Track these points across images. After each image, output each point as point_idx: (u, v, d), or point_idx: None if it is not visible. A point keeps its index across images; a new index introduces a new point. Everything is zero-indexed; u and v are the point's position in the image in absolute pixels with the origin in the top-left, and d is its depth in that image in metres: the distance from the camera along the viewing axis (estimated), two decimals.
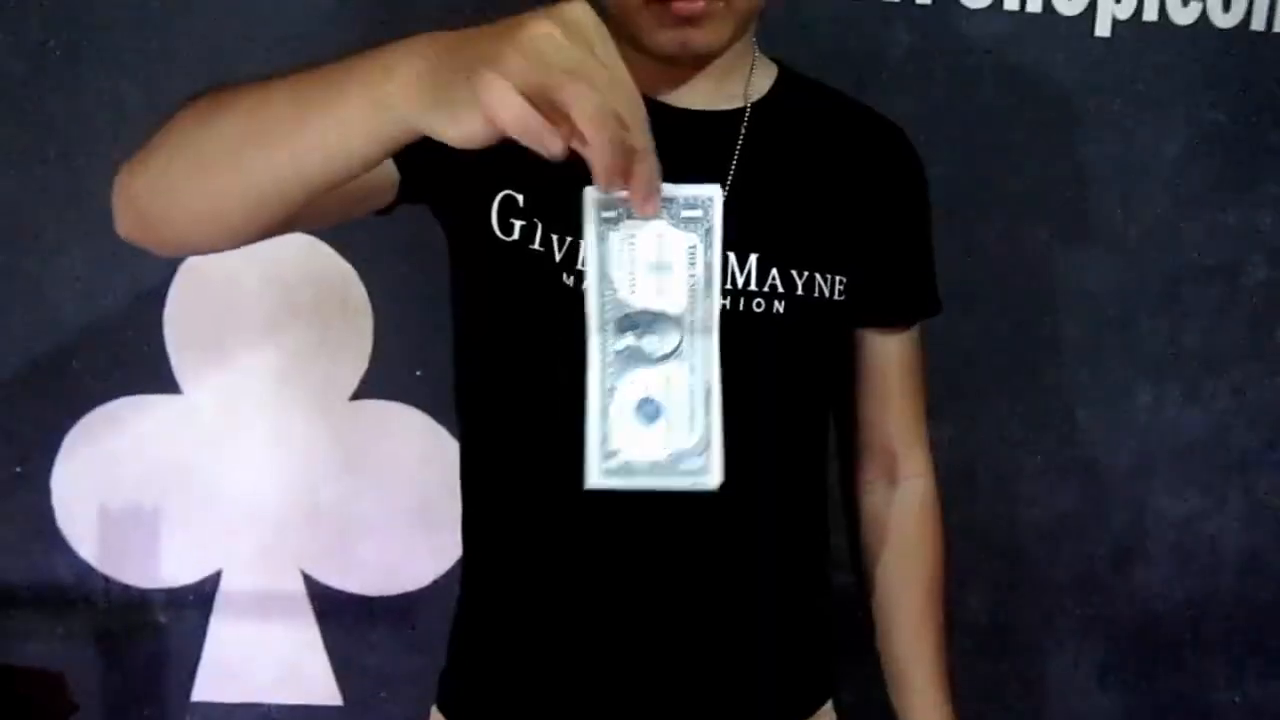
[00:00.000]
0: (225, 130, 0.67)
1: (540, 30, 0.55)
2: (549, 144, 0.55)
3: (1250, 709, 1.56)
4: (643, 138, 0.56)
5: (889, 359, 1.00)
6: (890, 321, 0.99)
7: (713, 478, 0.59)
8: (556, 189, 0.84)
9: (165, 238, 0.75)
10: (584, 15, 0.56)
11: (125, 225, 0.76)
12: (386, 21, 1.34)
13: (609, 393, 0.59)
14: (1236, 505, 1.52)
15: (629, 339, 0.58)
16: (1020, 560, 1.52)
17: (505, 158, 0.87)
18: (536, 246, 0.85)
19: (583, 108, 0.54)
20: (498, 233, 0.86)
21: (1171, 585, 1.53)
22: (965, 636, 1.53)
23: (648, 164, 0.57)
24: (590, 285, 0.59)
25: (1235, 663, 1.55)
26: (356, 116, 0.61)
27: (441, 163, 0.77)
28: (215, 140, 0.68)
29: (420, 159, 0.78)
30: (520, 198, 0.86)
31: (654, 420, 0.60)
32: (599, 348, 0.59)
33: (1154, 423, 1.50)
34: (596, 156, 0.55)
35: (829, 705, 1.02)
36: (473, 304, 0.93)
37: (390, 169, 0.84)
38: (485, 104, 0.54)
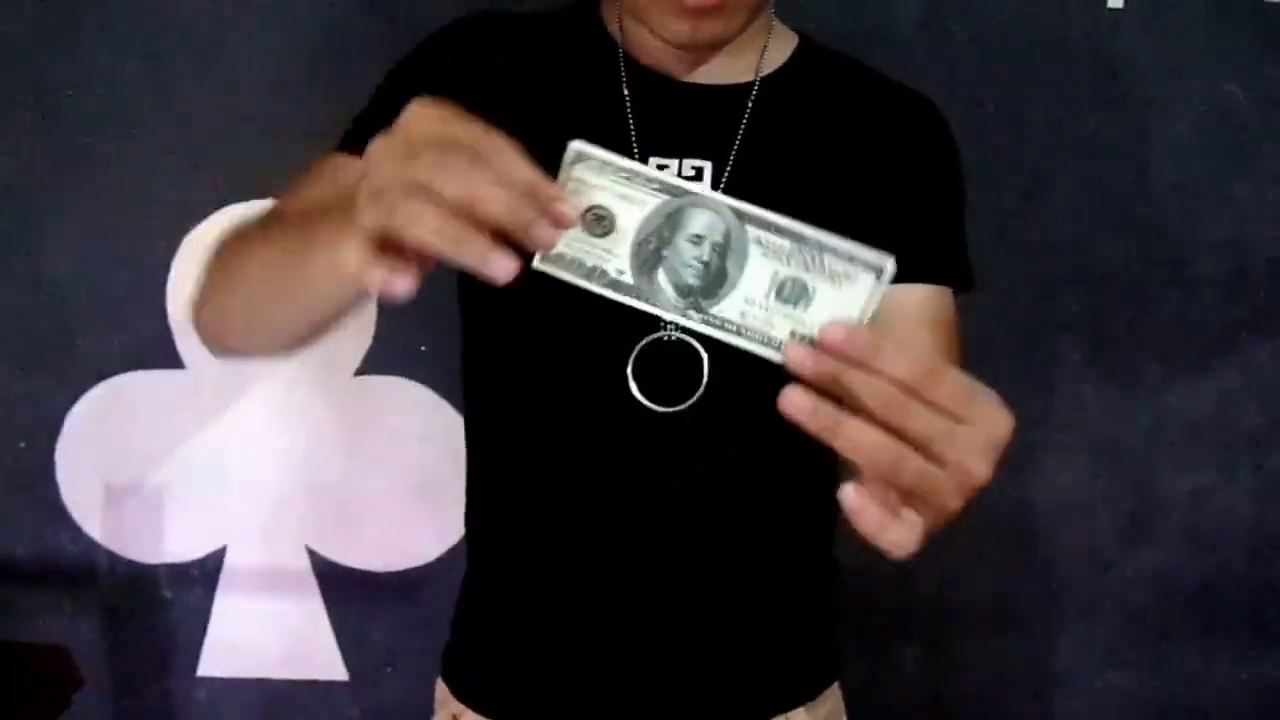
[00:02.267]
0: (250, 286, 0.74)
1: (374, 158, 0.52)
2: (396, 288, 0.51)
3: (1260, 687, 1.56)
4: (518, 182, 0.51)
5: (908, 310, 0.90)
6: (909, 276, 0.93)
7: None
8: (552, 165, 0.84)
9: (245, 354, 0.85)
10: (410, 116, 0.53)
11: (207, 346, 0.85)
12: (379, 2, 1.33)
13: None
14: (1246, 482, 1.52)
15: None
16: (1028, 539, 1.51)
17: None
18: None
19: (416, 236, 0.49)
20: None
21: (1180, 563, 1.52)
22: (973, 615, 1.53)
23: (526, 212, 0.51)
24: None
25: (1244, 641, 1.55)
26: (318, 279, 0.63)
27: None
28: (244, 295, 0.75)
29: None
30: None
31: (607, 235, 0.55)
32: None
33: (1163, 399, 1.49)
34: (465, 258, 0.50)
35: (835, 688, 1.01)
36: (473, 292, 0.93)
37: None
38: (343, 265, 0.52)
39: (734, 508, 0.90)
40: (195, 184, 1.37)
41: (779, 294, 0.55)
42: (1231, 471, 1.51)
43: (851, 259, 0.54)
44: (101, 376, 1.41)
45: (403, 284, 0.51)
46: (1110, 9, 1.37)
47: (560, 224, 0.52)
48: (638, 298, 0.56)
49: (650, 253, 0.55)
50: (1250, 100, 1.41)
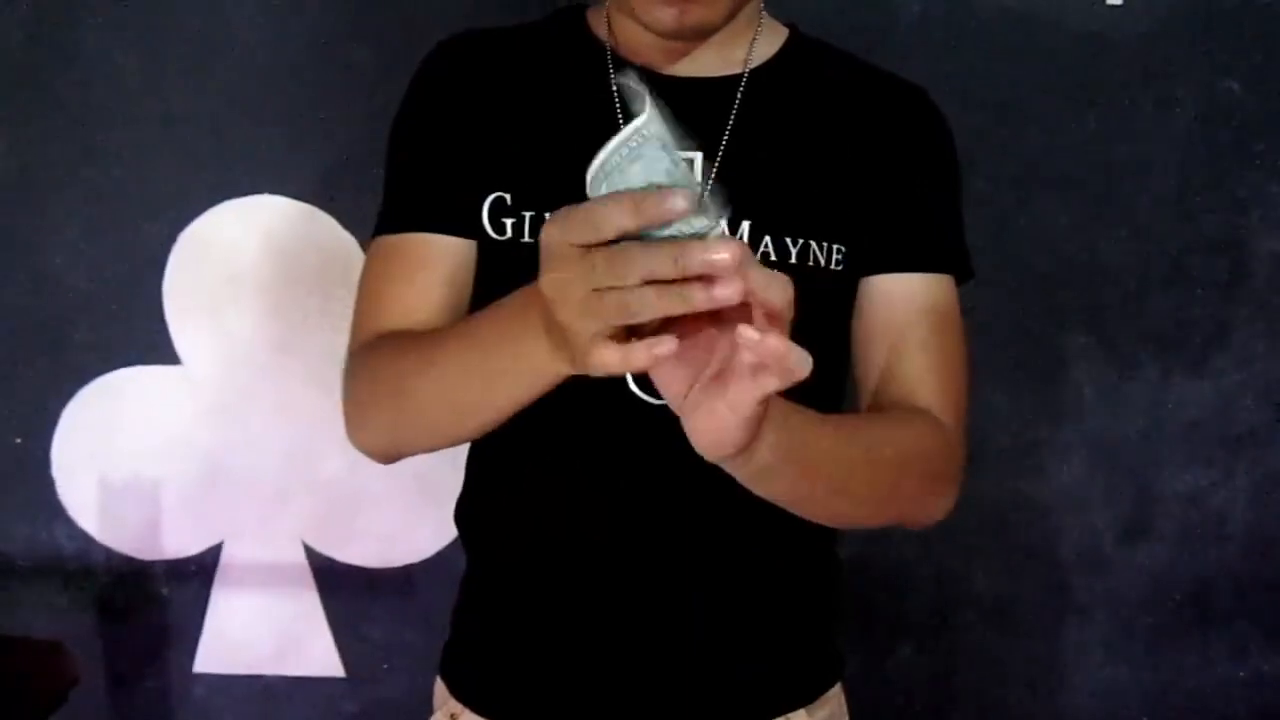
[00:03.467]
0: (429, 410, 0.81)
1: (554, 293, 0.59)
2: (664, 349, 0.57)
3: (1257, 684, 1.56)
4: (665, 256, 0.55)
5: (899, 301, 0.90)
6: (905, 265, 0.91)
7: None
8: (542, 177, 0.86)
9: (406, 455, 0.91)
10: (547, 241, 0.58)
11: (377, 460, 0.92)
12: None
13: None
14: (1244, 480, 1.51)
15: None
16: (1027, 536, 1.51)
17: (490, 162, 0.88)
18: (527, 239, 0.86)
19: (653, 313, 0.56)
20: (491, 234, 0.88)
21: (1178, 560, 1.52)
22: (972, 613, 1.53)
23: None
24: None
25: (1242, 638, 1.55)
26: (524, 389, 0.72)
27: (451, 196, 0.86)
28: (421, 419, 0.83)
29: (448, 211, 0.88)
30: (508, 196, 0.87)
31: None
32: None
33: (1161, 397, 1.48)
34: (693, 305, 0.55)
35: (838, 688, 1.00)
36: (479, 304, 0.93)
37: (469, 249, 0.89)
38: (608, 367, 0.59)
39: (734, 503, 0.90)
40: (191, 180, 1.37)
41: None
42: (1229, 469, 1.51)
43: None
44: (98, 372, 1.40)
45: (666, 345, 0.57)
46: (1109, 5, 1.37)
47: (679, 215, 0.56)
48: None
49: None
50: (1248, 97, 1.41)
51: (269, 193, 1.38)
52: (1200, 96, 1.41)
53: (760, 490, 0.72)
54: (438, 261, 0.88)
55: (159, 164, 1.36)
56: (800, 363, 0.56)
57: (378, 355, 0.85)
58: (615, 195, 0.55)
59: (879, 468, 0.81)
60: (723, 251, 0.54)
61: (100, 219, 1.37)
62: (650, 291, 0.55)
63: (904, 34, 1.37)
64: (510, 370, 0.71)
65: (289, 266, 1.39)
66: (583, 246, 0.56)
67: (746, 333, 0.55)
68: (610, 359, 0.58)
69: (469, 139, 0.89)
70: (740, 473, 0.68)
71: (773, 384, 0.57)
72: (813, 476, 0.74)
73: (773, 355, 0.55)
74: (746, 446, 0.62)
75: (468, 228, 0.88)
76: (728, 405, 0.59)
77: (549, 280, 0.59)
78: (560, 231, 0.57)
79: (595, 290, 0.56)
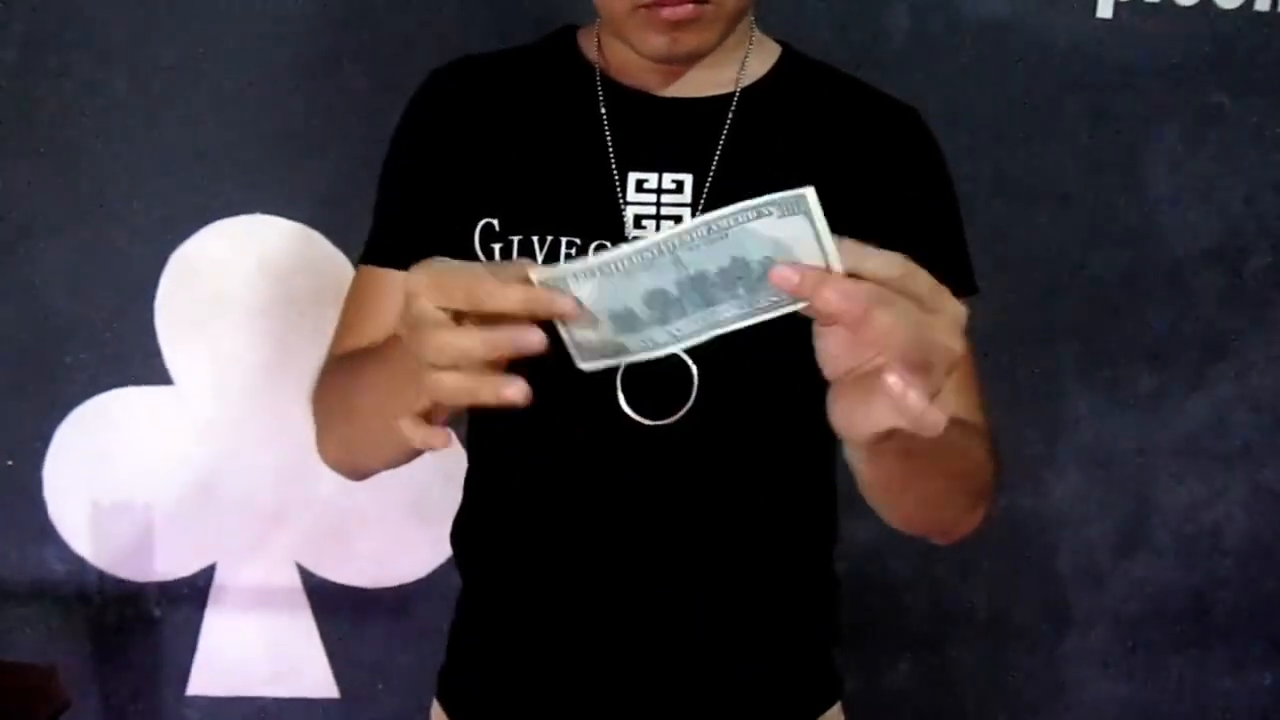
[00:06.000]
0: (347, 433, 0.87)
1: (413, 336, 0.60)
2: (435, 442, 0.63)
3: (1255, 697, 1.55)
4: (512, 305, 0.58)
5: None
6: None
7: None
8: (528, 201, 0.86)
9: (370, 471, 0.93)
10: (405, 304, 0.61)
11: (348, 478, 0.95)
12: (367, 12, 1.33)
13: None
14: (1240, 493, 1.51)
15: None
16: (1024, 550, 1.51)
17: (480, 189, 0.88)
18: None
19: (443, 400, 0.61)
20: (482, 260, 0.87)
21: (1175, 574, 1.52)
22: (968, 628, 1.52)
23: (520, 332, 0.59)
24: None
25: (1240, 651, 1.54)
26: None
27: (432, 236, 0.86)
28: (366, 435, 0.84)
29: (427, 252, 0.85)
30: (496, 222, 0.87)
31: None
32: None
33: (1157, 411, 1.48)
34: (486, 400, 0.60)
35: (837, 708, 1.00)
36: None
37: None
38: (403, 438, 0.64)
39: (729, 523, 0.89)
40: (182, 201, 1.36)
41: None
42: (1225, 482, 1.51)
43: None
44: (90, 393, 1.40)
45: (439, 439, 0.63)
46: (1099, 19, 1.37)
47: (567, 317, 0.59)
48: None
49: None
50: (1239, 109, 1.41)
51: (261, 213, 1.37)
52: (1191, 109, 1.41)
53: (870, 473, 0.71)
54: None
55: (150, 184, 1.36)
56: (934, 424, 0.56)
57: (332, 374, 0.89)
58: (508, 276, 0.57)
59: (952, 472, 0.80)
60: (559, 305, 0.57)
61: (92, 239, 1.37)
62: (445, 379, 0.59)
63: (896, 50, 1.37)
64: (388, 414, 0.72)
65: (281, 287, 1.39)
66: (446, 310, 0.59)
67: (891, 381, 0.55)
68: (407, 433, 0.63)
69: (459, 170, 0.89)
70: (858, 454, 0.67)
71: (901, 423, 0.57)
72: (918, 469, 0.73)
73: (913, 413, 0.56)
74: (873, 446, 0.62)
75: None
76: (863, 414, 0.59)
77: (408, 336, 0.61)
78: (435, 292, 0.58)
79: (421, 363, 0.60)
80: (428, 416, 0.64)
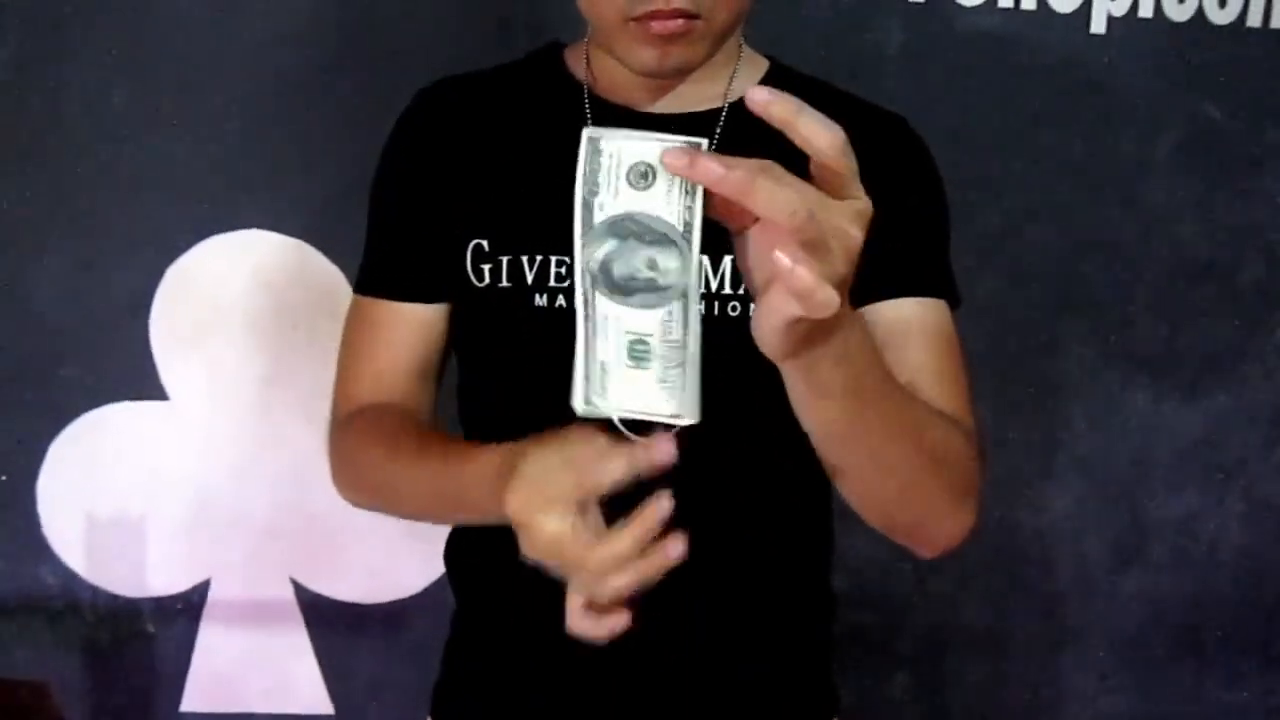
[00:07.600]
0: (409, 506, 0.91)
1: (540, 550, 0.68)
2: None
3: (1252, 710, 1.55)
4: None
5: (895, 325, 0.89)
6: (895, 292, 0.90)
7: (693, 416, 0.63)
8: (517, 221, 0.87)
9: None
10: (521, 524, 0.69)
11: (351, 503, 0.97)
12: (364, 19, 1.34)
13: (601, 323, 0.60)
14: (1235, 505, 1.51)
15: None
16: (1020, 564, 1.51)
17: (469, 210, 0.88)
18: (504, 283, 0.87)
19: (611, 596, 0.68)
20: (473, 281, 0.88)
21: (1171, 586, 1.52)
22: (964, 640, 1.52)
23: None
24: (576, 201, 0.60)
25: (1236, 664, 1.54)
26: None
27: (423, 262, 0.89)
28: (403, 509, 0.93)
29: (418, 278, 0.91)
30: (486, 242, 0.87)
31: (644, 361, 0.61)
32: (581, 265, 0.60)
33: (1153, 423, 1.48)
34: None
35: None
36: (464, 348, 0.94)
37: (439, 314, 0.93)
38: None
39: (725, 540, 0.89)
40: (178, 216, 1.36)
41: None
42: (1221, 495, 1.51)
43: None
44: (84, 408, 1.39)
45: (623, 620, 0.71)
46: (1092, 34, 1.38)
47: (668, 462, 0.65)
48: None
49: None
50: (1230, 123, 1.42)
51: (256, 228, 1.37)
52: (1183, 123, 1.42)
53: (815, 415, 0.71)
54: (408, 330, 0.92)
55: (145, 199, 1.36)
56: (826, 302, 0.55)
57: (360, 438, 0.91)
58: (591, 453, 0.65)
59: (921, 446, 0.78)
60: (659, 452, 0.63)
61: (87, 254, 1.36)
62: (623, 576, 0.66)
63: (887, 63, 1.37)
64: (473, 514, 0.78)
65: (276, 301, 1.38)
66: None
67: (781, 260, 0.55)
68: (593, 631, 0.70)
69: (447, 192, 0.89)
70: (796, 385, 0.67)
71: (797, 311, 0.57)
72: (866, 420, 0.72)
73: (801, 288, 0.55)
74: (792, 355, 0.62)
75: (438, 291, 0.91)
76: (765, 310, 0.59)
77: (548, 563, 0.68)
78: (551, 511, 0.66)
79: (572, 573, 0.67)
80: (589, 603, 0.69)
